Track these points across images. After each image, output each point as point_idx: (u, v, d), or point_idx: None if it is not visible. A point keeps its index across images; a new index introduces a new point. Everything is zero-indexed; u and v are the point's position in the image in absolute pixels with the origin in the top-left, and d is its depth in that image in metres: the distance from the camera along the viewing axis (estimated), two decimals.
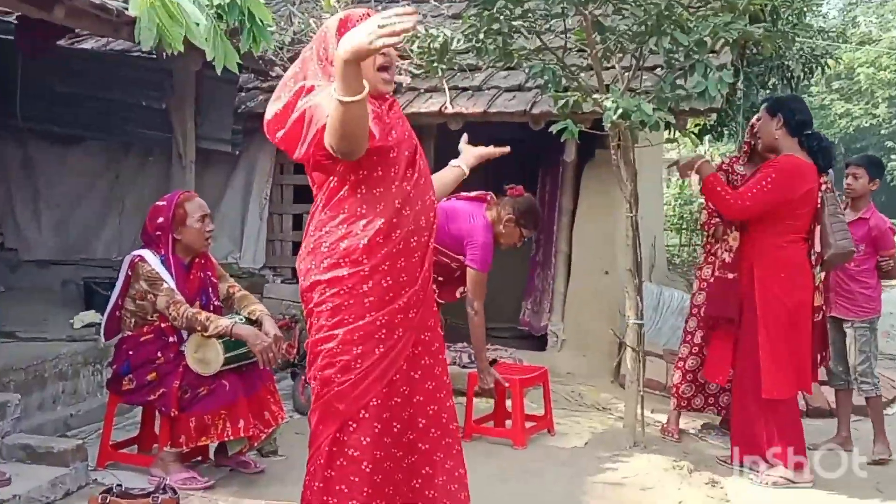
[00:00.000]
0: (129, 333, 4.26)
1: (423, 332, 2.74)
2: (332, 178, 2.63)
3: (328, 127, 2.42)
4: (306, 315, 2.75)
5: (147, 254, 4.24)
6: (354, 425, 2.60)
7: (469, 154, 3.27)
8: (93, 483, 4.06)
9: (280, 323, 6.36)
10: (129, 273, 4.24)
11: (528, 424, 5.06)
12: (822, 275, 4.74)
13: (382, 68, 2.67)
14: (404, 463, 2.70)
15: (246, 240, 7.19)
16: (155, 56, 5.94)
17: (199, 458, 4.40)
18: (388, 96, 2.77)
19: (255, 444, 4.23)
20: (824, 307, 4.83)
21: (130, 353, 4.22)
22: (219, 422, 4.05)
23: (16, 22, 6.14)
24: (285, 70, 6.75)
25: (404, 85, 6.68)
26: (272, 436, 4.38)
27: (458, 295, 4.96)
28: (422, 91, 6.69)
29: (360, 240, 2.60)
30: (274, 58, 6.73)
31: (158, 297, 4.15)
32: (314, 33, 6.90)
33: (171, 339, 4.19)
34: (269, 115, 2.65)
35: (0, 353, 4.90)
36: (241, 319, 4.21)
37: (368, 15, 2.62)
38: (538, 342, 7.16)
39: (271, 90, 7.09)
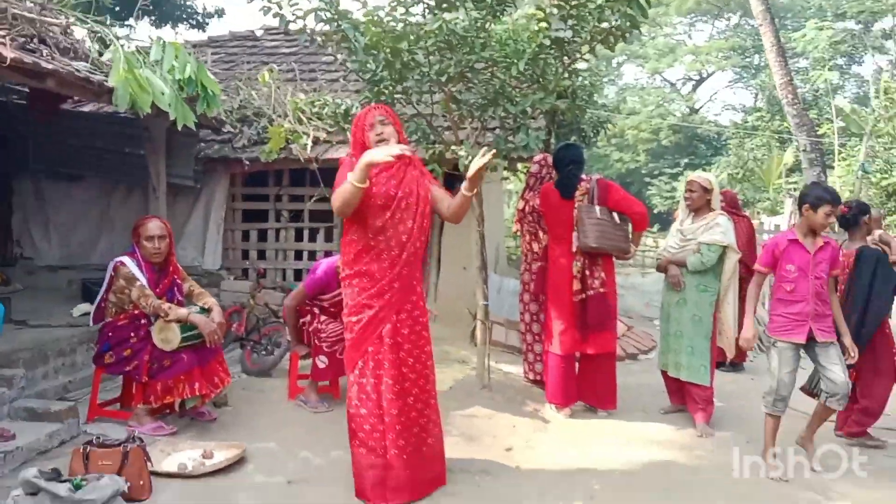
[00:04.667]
0: (110, 320, 3.88)
1: (404, 306, 2.99)
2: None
3: (336, 193, 2.90)
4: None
5: (126, 259, 3.88)
6: (362, 362, 2.97)
7: (466, 180, 3.12)
8: (82, 433, 3.68)
9: (232, 308, 6.07)
10: (112, 274, 3.87)
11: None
12: (579, 265, 4.30)
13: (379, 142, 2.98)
14: (398, 383, 2.97)
15: (207, 248, 6.80)
16: (135, 117, 5.55)
17: (168, 412, 4.05)
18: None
19: (207, 400, 3.91)
20: (584, 291, 4.30)
21: (110, 334, 3.85)
22: (179, 385, 3.73)
23: (28, 90, 5.64)
24: (234, 127, 6.70)
25: (321, 139, 6.43)
26: (222, 393, 4.07)
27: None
28: (334, 143, 6.45)
29: (350, 253, 3.00)
30: (224, 119, 6.39)
31: (132, 290, 3.79)
32: (253, 101, 6.78)
33: (142, 321, 3.84)
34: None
35: (13, 337, 4.42)
36: (197, 310, 3.89)
37: (374, 111, 3.05)
38: None
39: (224, 141, 7.06)
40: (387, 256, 2.95)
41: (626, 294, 9.95)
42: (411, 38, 4.18)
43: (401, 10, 4.19)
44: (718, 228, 4.15)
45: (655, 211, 25.57)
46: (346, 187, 2.83)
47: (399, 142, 3.05)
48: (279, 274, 6.99)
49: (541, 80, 4.49)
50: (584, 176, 4.42)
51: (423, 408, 3.03)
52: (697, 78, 30.44)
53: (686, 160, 26.29)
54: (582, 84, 7.93)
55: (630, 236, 4.37)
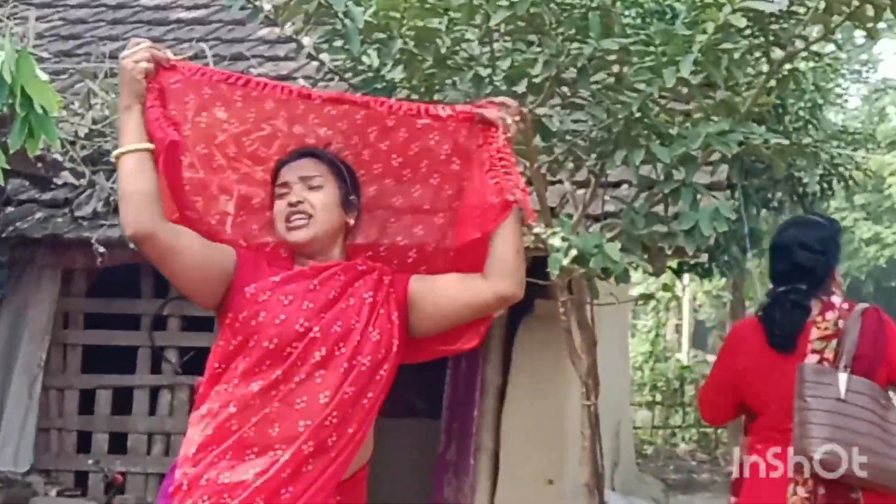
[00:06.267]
0: None
1: None
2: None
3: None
4: None
5: None
6: None
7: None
8: None
9: None
10: None
11: None
12: (803, 493, 4.25)
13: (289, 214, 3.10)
14: None
15: (5, 428, 6.95)
16: None
17: None
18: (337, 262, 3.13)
19: None
20: None
21: None
22: None
23: None
24: (77, 176, 6.85)
25: None
26: None
27: None
28: None
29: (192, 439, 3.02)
30: (61, 157, 6.61)
31: None
32: (118, 123, 6.93)
33: None
34: None
35: None
36: None
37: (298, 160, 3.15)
38: None
39: (53, 204, 7.18)
40: (256, 458, 3.00)
41: None
42: (454, 8, 4.34)
43: None
44: None
45: None
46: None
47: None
48: (152, 485, 7.02)
49: (722, 89, 4.59)
50: (834, 297, 4.44)
51: None
52: None
53: None
54: (799, 91, 8.07)
55: None
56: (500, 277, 3.08)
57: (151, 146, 2.99)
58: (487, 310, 3.16)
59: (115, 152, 3.06)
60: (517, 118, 3.11)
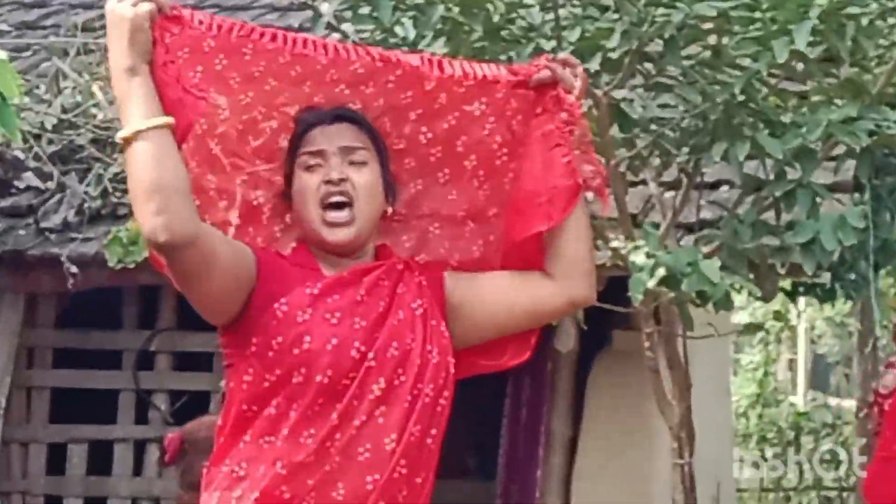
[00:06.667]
0: None
1: None
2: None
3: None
4: None
5: None
6: None
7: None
8: None
9: None
10: None
11: None
12: None
13: (328, 205, 2.87)
14: None
15: None
16: None
17: None
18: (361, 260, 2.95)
19: None
20: None
21: None
22: None
23: None
24: (42, 177, 6.84)
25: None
26: None
27: None
28: None
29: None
30: (23, 155, 6.63)
31: None
32: (94, 113, 6.95)
33: None
34: None
35: None
36: None
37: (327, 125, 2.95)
38: None
39: (14, 212, 7.17)
40: None
41: None
42: None
43: None
44: None
45: None
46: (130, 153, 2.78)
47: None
48: None
49: (847, 65, 4.63)
50: None
51: None
52: None
53: None
54: None
55: None
56: (574, 279, 3.02)
57: (171, 120, 2.71)
58: (552, 317, 3.20)
59: (123, 132, 2.71)
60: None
